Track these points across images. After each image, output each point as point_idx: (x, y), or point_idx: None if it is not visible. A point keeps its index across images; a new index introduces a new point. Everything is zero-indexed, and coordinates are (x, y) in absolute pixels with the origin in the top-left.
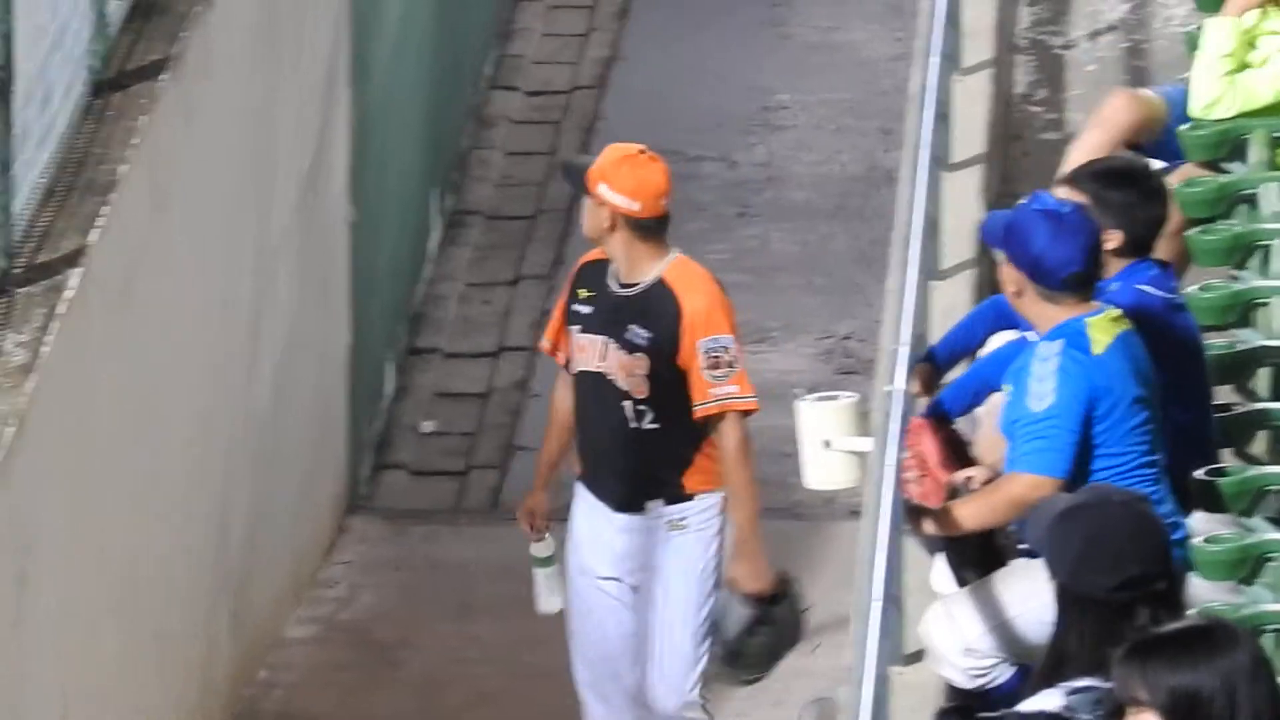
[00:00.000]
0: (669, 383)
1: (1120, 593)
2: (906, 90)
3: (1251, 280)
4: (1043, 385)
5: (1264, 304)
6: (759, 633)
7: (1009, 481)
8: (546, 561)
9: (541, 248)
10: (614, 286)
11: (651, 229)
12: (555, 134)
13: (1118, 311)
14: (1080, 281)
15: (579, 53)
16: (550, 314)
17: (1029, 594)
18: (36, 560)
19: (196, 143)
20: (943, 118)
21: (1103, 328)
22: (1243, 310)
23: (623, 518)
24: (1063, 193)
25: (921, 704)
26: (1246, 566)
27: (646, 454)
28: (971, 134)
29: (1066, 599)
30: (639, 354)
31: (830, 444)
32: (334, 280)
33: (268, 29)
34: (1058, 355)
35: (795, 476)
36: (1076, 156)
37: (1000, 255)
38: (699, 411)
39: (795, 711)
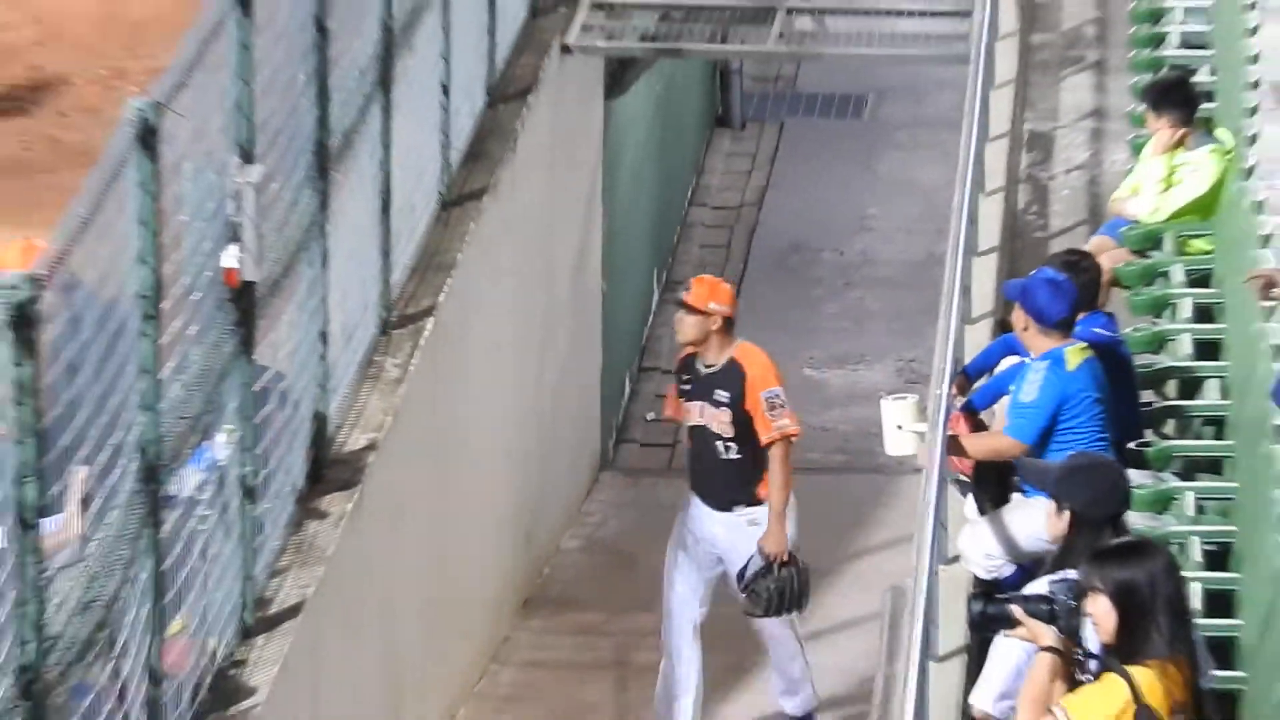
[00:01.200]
0: (743, 425)
1: (1105, 518)
2: (951, 205)
3: (1165, 324)
4: (1031, 386)
5: (1173, 339)
6: (766, 581)
7: (997, 437)
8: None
9: None
10: (701, 368)
11: (731, 325)
12: (730, 234)
13: (1085, 344)
14: (1065, 325)
15: (745, 182)
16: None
17: (1024, 519)
18: (407, 501)
19: (507, 239)
20: (972, 222)
21: (1075, 354)
22: (1159, 343)
23: (718, 515)
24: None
25: (957, 590)
26: (1160, 504)
27: (733, 474)
28: (990, 233)
29: (1076, 521)
30: (723, 408)
31: (901, 427)
32: (591, 326)
33: (551, 163)
34: (1044, 369)
35: (879, 447)
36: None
37: (1015, 304)
38: (765, 440)
39: (880, 594)
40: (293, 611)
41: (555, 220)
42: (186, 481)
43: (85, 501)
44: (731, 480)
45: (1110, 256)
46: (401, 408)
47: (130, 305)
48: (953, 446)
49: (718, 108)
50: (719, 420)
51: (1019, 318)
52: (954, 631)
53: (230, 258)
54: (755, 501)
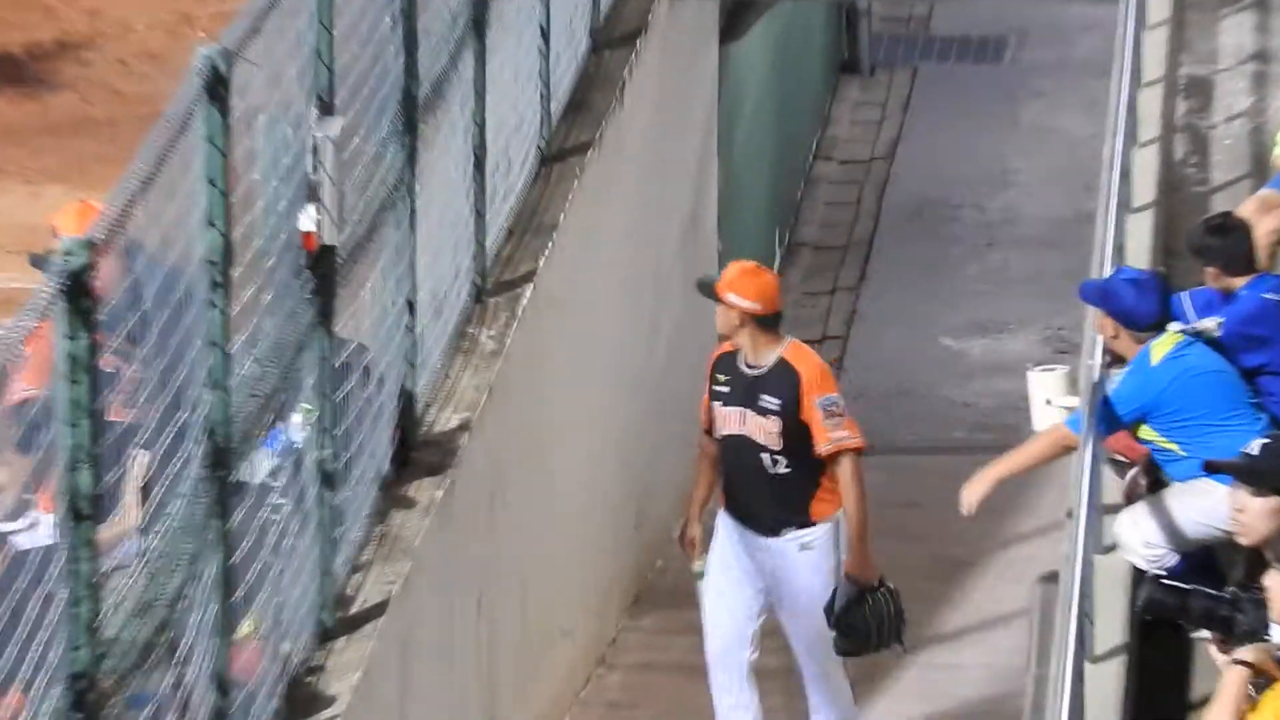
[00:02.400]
0: (795, 436)
1: None
2: (1101, 158)
3: None
4: (1115, 383)
5: None
6: (861, 611)
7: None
8: (700, 575)
9: (850, 269)
10: (744, 369)
11: (769, 323)
12: (859, 191)
13: (1178, 328)
14: (1159, 325)
15: (875, 134)
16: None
17: (1190, 504)
18: (504, 487)
19: (613, 198)
20: (1125, 176)
21: (1161, 346)
22: None
23: (764, 540)
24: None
25: (1114, 583)
26: None
27: (781, 491)
28: (1145, 187)
29: None
30: (771, 416)
31: (1050, 401)
32: None
33: (660, 116)
34: (1131, 366)
35: (1026, 422)
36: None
37: (1096, 310)
38: (823, 451)
39: (1028, 587)
40: (376, 611)
41: (666, 177)
42: (258, 467)
43: (145, 490)
44: (781, 499)
45: (1278, 215)
46: (497, 384)
47: (197, 272)
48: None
49: (844, 52)
50: (766, 430)
51: (1106, 325)
52: (1112, 628)
53: (308, 219)
54: (808, 522)
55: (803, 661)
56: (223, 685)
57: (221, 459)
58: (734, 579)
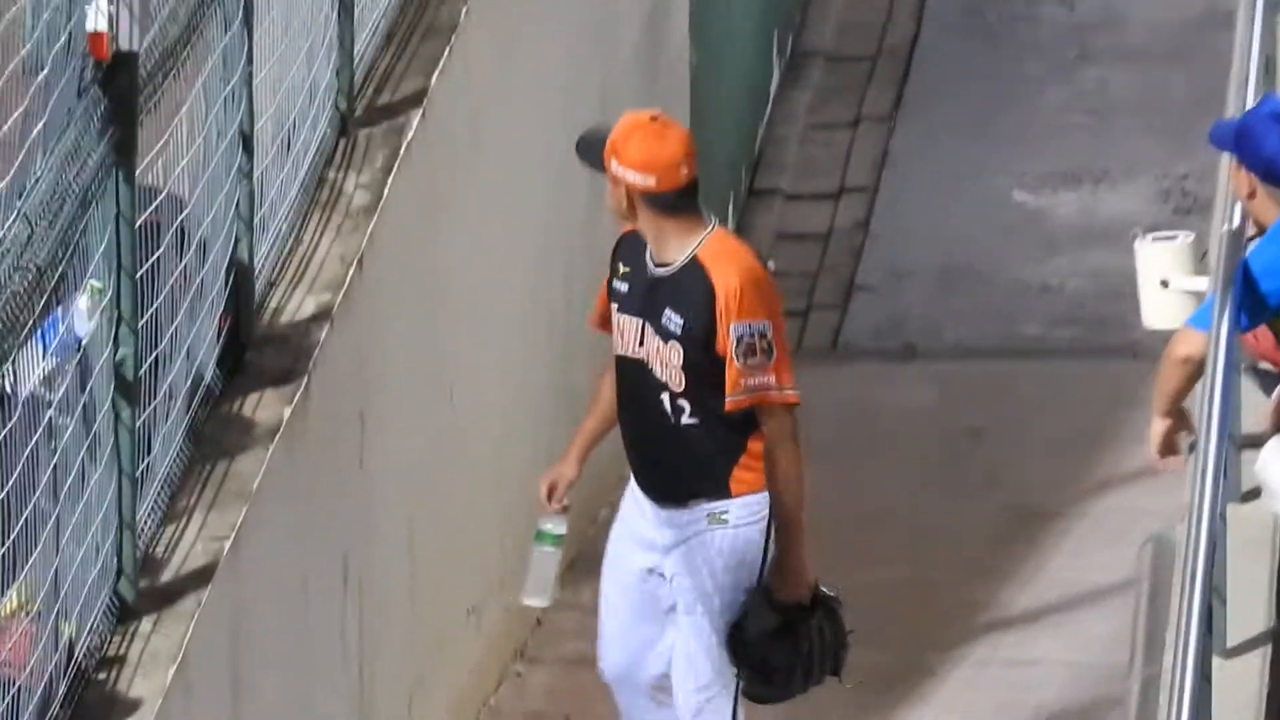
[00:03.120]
0: (707, 373)
1: None
2: None
3: None
4: (1257, 254)
5: None
6: (785, 645)
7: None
8: (555, 540)
9: (882, 89)
10: (650, 265)
11: (673, 204)
12: None
13: None
14: None
15: None
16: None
17: None
18: (381, 402)
19: None
20: None
21: None
22: None
23: (666, 513)
24: None
25: (1258, 539)
26: None
27: (687, 451)
28: None
29: None
30: (673, 342)
31: (1168, 284)
32: (672, 112)
33: None
34: (1270, 234)
35: (1134, 316)
36: None
37: (1232, 159)
38: (729, 404)
39: (1134, 550)
40: (198, 580)
41: None
42: (28, 371)
43: None
44: (688, 459)
45: None
46: (370, 252)
47: None
48: None
49: None
50: (664, 361)
51: (1242, 179)
52: (1252, 608)
53: (97, 15)
54: (724, 494)
55: (676, 683)
56: None
57: None
58: (632, 570)
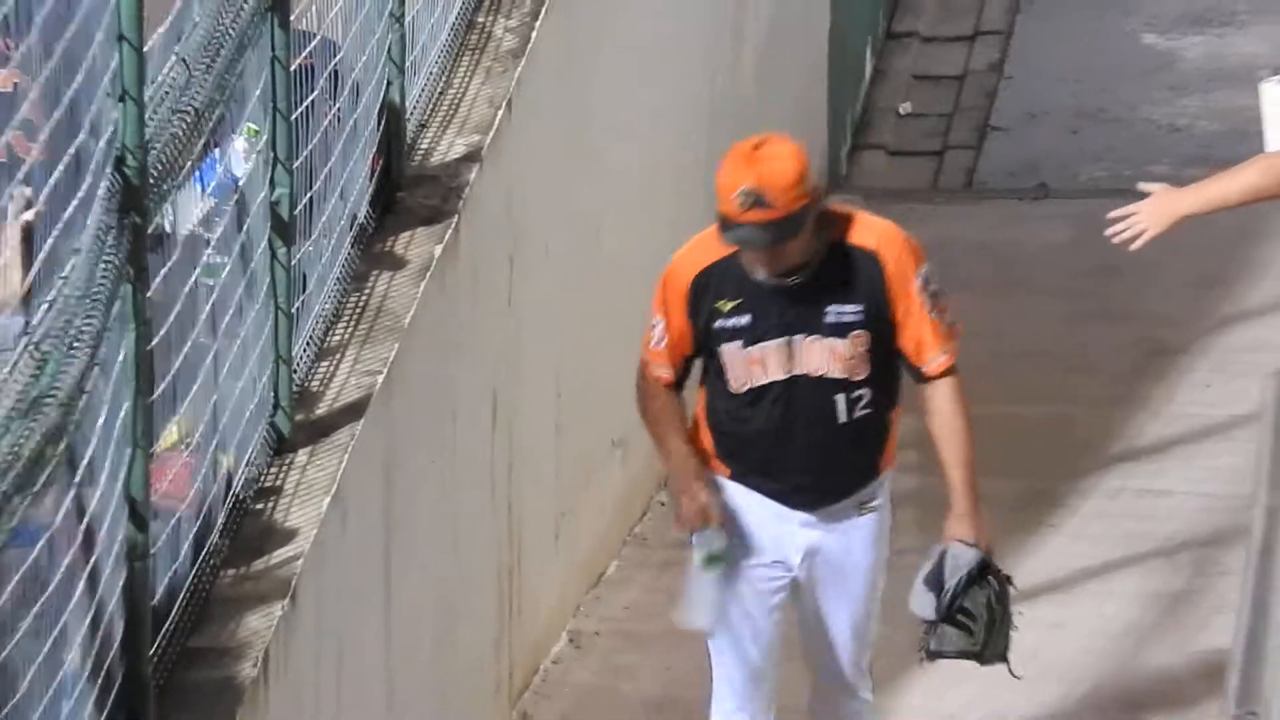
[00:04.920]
0: (890, 352)
1: None
2: None
3: None
4: None
5: None
6: (985, 594)
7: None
8: (715, 561)
9: None
10: (769, 282)
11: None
12: None
13: None
14: None
15: None
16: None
17: None
18: (528, 242)
19: None
20: None
21: None
22: None
23: (804, 515)
24: None
25: None
26: None
27: (858, 446)
28: None
29: None
30: (852, 334)
31: None
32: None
33: None
34: None
35: (1260, 150)
36: None
37: None
38: (939, 366)
39: (1259, 384)
40: (352, 413)
41: None
42: (187, 211)
43: (27, 240)
44: (852, 457)
45: None
46: (519, 95)
47: None
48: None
49: None
50: (837, 357)
51: None
52: None
53: None
54: (874, 477)
55: (837, 676)
56: (138, 513)
57: (135, 200)
58: (761, 584)
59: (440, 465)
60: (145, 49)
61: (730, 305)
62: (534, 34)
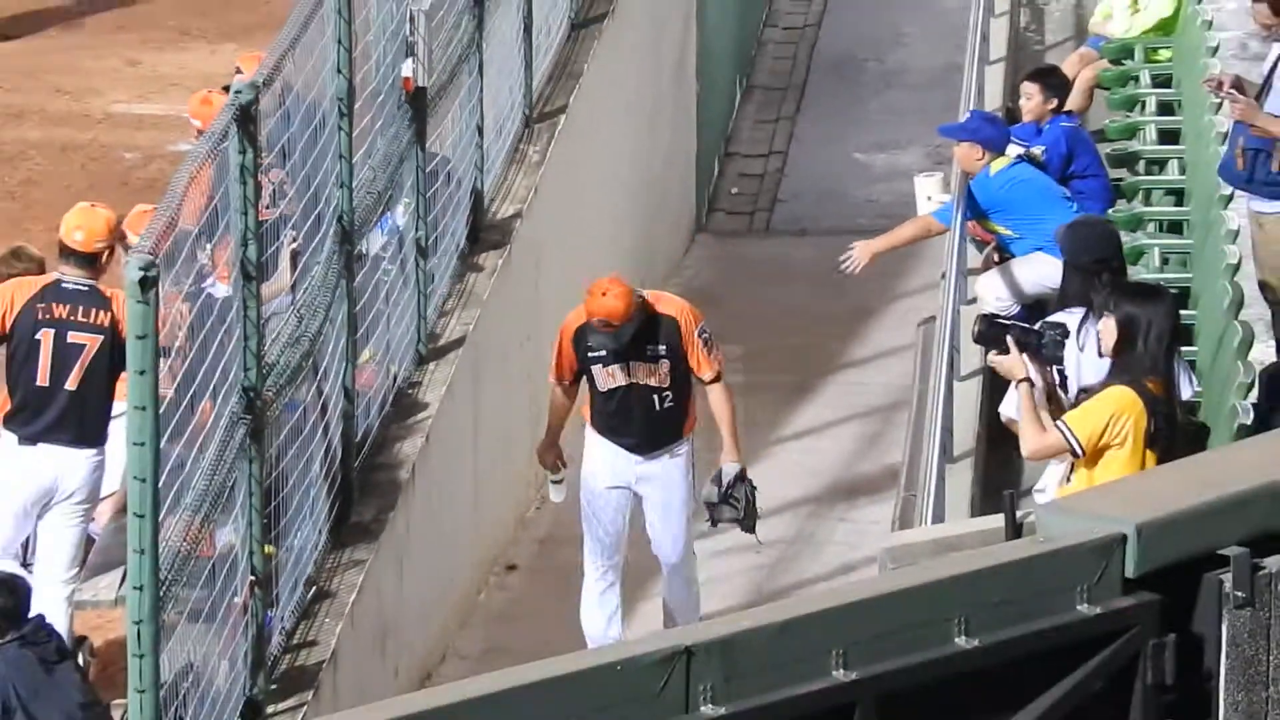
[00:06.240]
0: (681, 374)
1: (1092, 264)
2: (967, 24)
3: (1136, 117)
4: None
5: (1142, 128)
6: (743, 488)
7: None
8: (560, 481)
9: (789, 104)
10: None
11: None
12: (795, 49)
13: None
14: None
15: (807, 7)
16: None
17: (1029, 270)
18: (545, 257)
19: (623, 52)
20: (984, 38)
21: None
22: (1132, 131)
23: (641, 458)
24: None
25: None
26: (1134, 257)
27: (664, 421)
28: (998, 46)
29: (1068, 267)
30: (663, 360)
31: (930, 198)
32: (688, 119)
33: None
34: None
35: (913, 212)
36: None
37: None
38: (709, 378)
39: (914, 330)
40: (456, 344)
41: (660, 36)
42: (374, 242)
43: (294, 258)
44: (668, 426)
45: (1094, 65)
46: (540, 184)
47: (330, 105)
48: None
49: None
50: (657, 375)
51: (964, 150)
52: (971, 357)
53: (407, 68)
54: (679, 438)
55: (668, 548)
56: (350, 395)
57: (348, 237)
58: (612, 496)
59: (501, 371)
60: (353, 161)
61: (595, 346)
62: (548, 153)
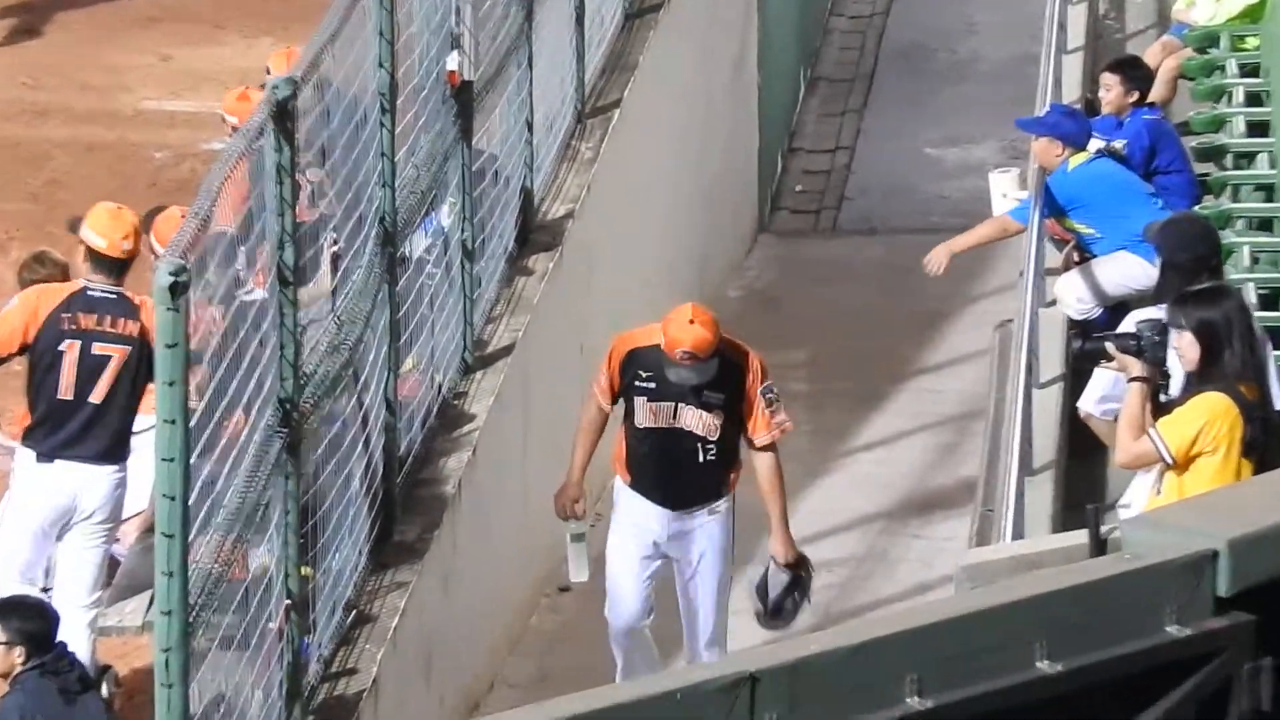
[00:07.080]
0: (733, 428)
1: (1190, 264)
2: (1044, 13)
3: (1223, 108)
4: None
5: (1229, 120)
6: (793, 597)
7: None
8: (580, 538)
9: (856, 96)
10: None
11: None
12: (863, 39)
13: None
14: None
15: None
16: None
17: (1111, 270)
18: (598, 259)
19: (679, 44)
20: (1062, 27)
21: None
22: (1219, 124)
23: (675, 514)
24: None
25: (1053, 328)
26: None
27: (704, 474)
28: (1076, 35)
29: (1164, 266)
30: (717, 409)
31: (1006, 195)
32: (749, 114)
33: None
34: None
35: (987, 210)
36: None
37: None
38: (761, 444)
39: (990, 334)
40: (505, 351)
41: (719, 26)
42: (417, 245)
43: (334, 261)
44: (707, 481)
45: (1177, 55)
46: (593, 183)
47: (371, 101)
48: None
49: None
50: (707, 424)
51: (1042, 144)
52: (1051, 362)
53: (452, 61)
54: (720, 495)
55: (700, 622)
56: (391, 406)
57: (390, 240)
58: (640, 553)
59: (552, 381)
60: (396, 159)
61: (646, 375)
62: (602, 150)
